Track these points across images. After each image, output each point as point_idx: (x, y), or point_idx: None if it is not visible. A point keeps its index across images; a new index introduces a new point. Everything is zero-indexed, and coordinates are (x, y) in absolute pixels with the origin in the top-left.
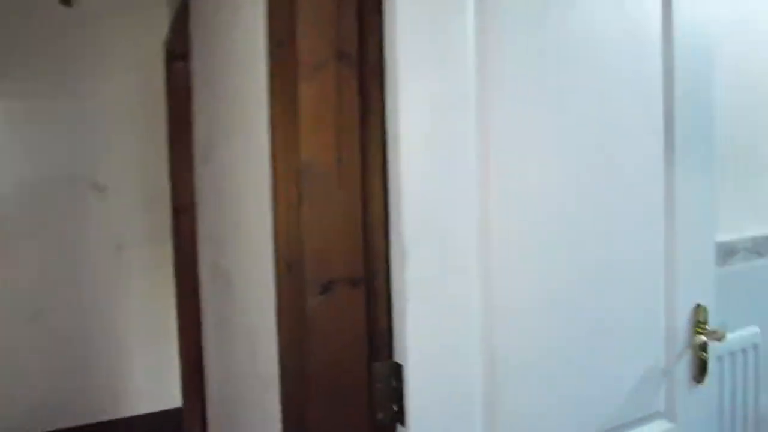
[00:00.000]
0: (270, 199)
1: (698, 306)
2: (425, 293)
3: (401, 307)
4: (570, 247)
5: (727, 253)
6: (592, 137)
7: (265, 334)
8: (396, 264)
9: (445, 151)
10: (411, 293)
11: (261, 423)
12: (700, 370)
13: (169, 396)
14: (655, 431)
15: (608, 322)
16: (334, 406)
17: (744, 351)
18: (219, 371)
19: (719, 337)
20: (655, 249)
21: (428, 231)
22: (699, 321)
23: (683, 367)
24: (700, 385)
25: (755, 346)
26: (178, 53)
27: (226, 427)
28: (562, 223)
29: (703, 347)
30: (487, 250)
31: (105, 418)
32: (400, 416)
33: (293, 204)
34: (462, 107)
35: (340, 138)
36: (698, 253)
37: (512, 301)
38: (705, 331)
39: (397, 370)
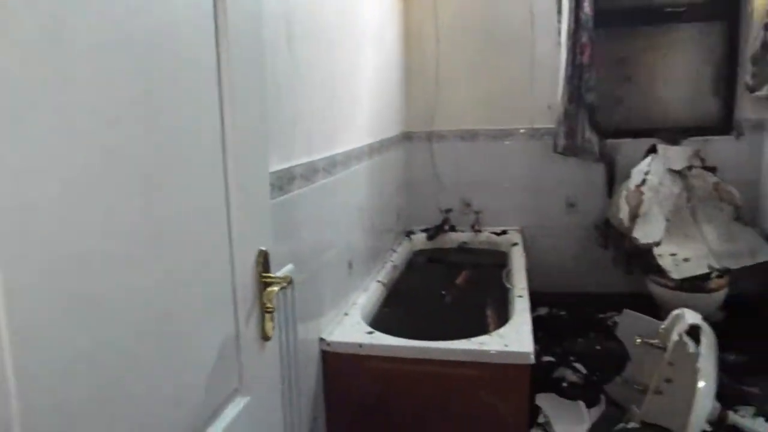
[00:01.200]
0: None
1: (260, 252)
2: None
3: None
4: (110, 215)
5: None
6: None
7: None
8: None
9: None
10: None
11: None
12: (268, 324)
13: None
14: (234, 414)
15: (175, 305)
16: None
17: (284, 291)
18: None
19: (287, 283)
20: (216, 198)
21: None
22: (262, 269)
23: (252, 328)
24: (267, 343)
25: (291, 283)
26: None
27: None
28: (92, 189)
29: (269, 297)
30: None
31: None
32: None
33: None
34: None
35: None
36: (257, 194)
37: (35, 313)
38: (271, 279)
39: None
